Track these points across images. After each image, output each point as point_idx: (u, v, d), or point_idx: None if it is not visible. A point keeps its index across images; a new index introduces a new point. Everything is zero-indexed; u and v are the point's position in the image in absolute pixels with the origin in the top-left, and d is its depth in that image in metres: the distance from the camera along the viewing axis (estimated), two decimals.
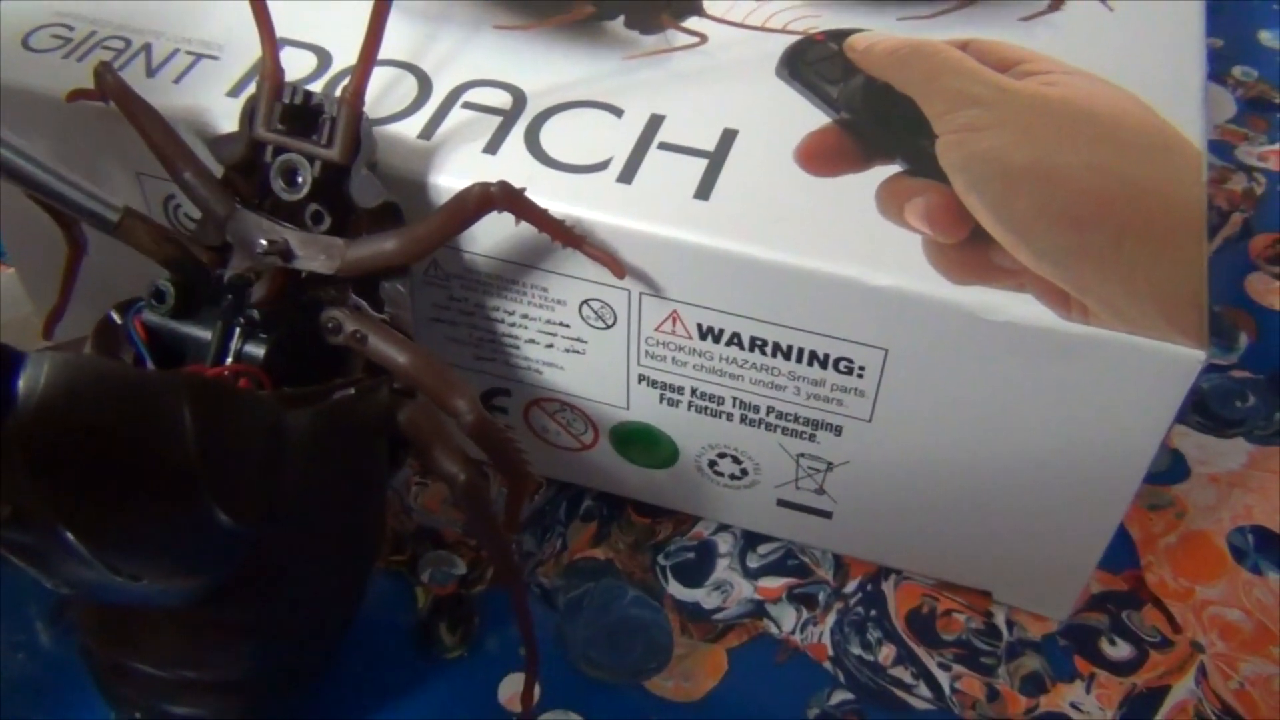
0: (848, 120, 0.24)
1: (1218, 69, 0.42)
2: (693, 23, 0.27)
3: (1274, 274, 0.35)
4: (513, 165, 0.23)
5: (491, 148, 0.24)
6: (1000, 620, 0.27)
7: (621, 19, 0.27)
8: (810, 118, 0.24)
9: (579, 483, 0.29)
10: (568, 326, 0.25)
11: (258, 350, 0.22)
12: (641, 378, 0.25)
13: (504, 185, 0.21)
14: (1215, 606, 0.28)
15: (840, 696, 0.26)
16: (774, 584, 0.28)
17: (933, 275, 0.21)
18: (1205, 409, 0.32)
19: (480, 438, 0.22)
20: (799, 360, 0.23)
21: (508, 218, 0.22)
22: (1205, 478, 0.30)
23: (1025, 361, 0.21)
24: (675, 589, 0.28)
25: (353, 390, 0.22)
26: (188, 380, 0.19)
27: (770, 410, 0.25)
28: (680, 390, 0.25)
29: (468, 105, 0.25)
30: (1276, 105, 0.41)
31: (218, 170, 0.23)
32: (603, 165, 0.23)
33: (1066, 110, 0.24)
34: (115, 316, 0.23)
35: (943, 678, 0.26)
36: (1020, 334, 0.21)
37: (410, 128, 0.24)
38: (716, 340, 0.24)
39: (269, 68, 0.22)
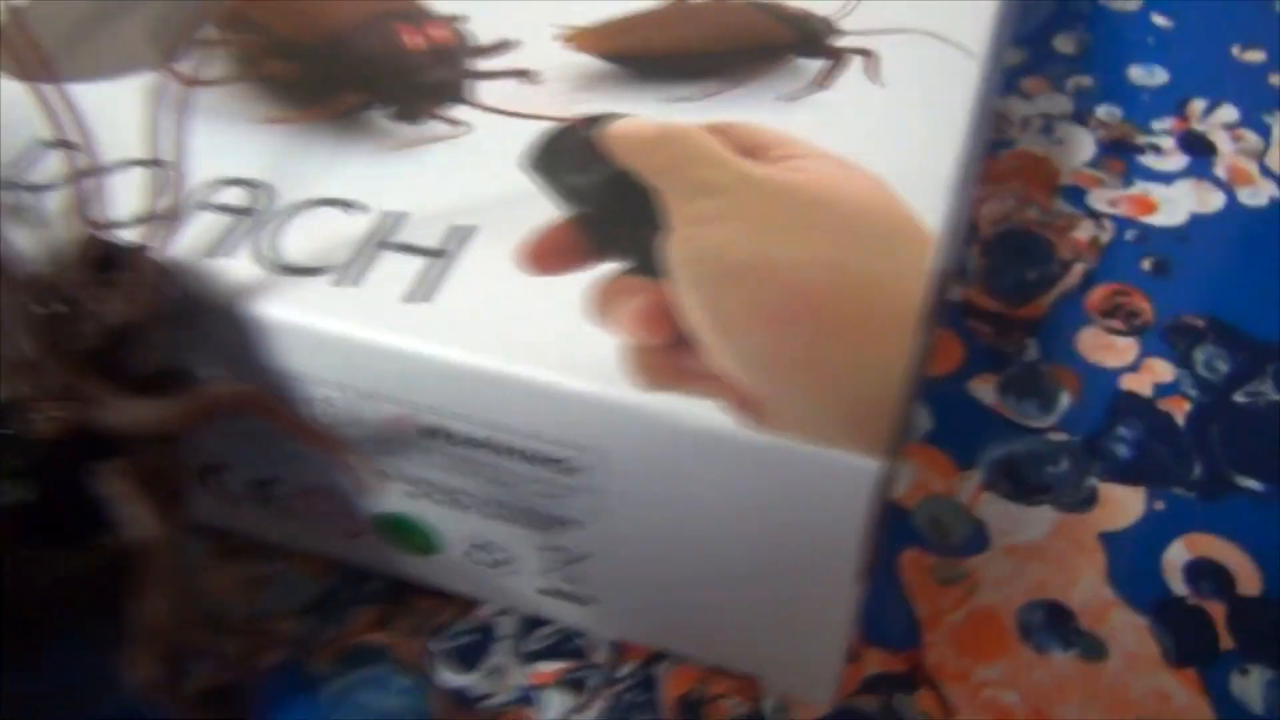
0: (586, 215, 0.24)
1: (1082, 108, 0.42)
2: (460, 110, 0.27)
3: (1107, 328, 0.35)
4: (240, 268, 0.23)
5: (226, 251, 0.24)
6: (768, 707, 0.27)
7: (388, 109, 0.27)
8: (552, 212, 0.24)
9: (363, 565, 0.29)
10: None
11: (5, 498, 0.21)
12: (385, 472, 0.25)
13: (244, 392, 0.21)
14: (991, 689, 0.27)
15: None
16: (548, 668, 0.28)
17: (625, 381, 0.21)
18: (1015, 474, 0.31)
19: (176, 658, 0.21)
20: (524, 460, 0.23)
21: None
22: (1004, 549, 0.30)
23: (720, 468, 0.21)
24: (447, 675, 0.27)
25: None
26: None
27: (505, 505, 0.24)
28: (424, 484, 0.25)
29: (209, 206, 0.25)
30: (1136, 147, 0.40)
31: None
32: (331, 268, 0.23)
33: (804, 198, 0.24)
34: None
35: None
36: (706, 441, 0.21)
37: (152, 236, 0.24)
38: (444, 440, 0.23)
39: None
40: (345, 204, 0.25)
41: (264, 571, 0.29)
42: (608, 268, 0.23)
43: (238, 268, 0.23)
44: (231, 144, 0.26)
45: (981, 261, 0.37)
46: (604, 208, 0.24)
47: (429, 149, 0.26)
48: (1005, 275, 0.36)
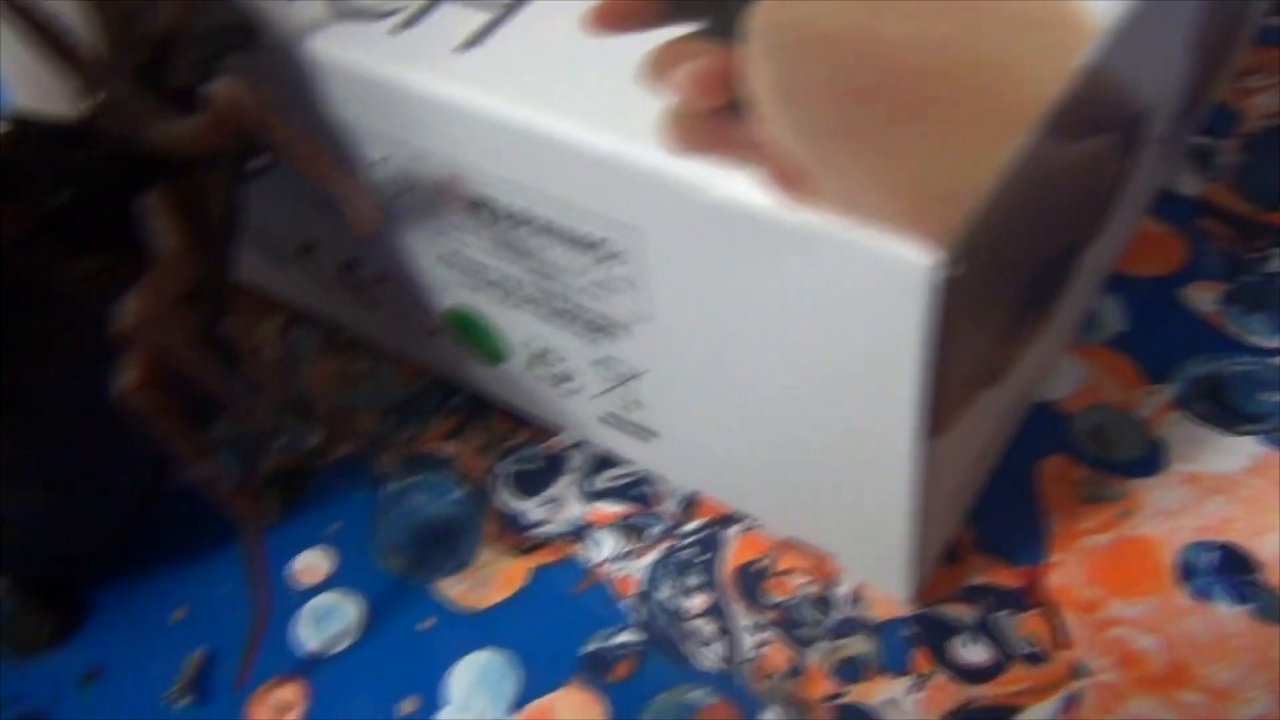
0: None
1: None
2: None
3: None
4: (304, 7, 0.22)
5: None
6: (843, 593, 0.23)
7: None
8: None
9: (447, 374, 0.28)
10: (376, 189, 0.23)
11: (54, 198, 0.21)
12: (447, 254, 0.23)
13: (245, 90, 0.19)
14: (1125, 628, 0.22)
15: (626, 638, 0.23)
16: (610, 509, 0.25)
17: (657, 143, 0.18)
18: (1219, 396, 0.25)
19: (139, 345, 0.19)
20: (566, 241, 0.20)
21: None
22: (1182, 476, 0.24)
23: (759, 255, 0.17)
24: (504, 497, 0.26)
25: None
26: None
27: (561, 300, 0.22)
28: (481, 271, 0.23)
29: None
30: None
31: None
32: (394, 14, 0.21)
33: None
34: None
35: (748, 641, 0.22)
36: (734, 216, 0.17)
37: None
38: (493, 212, 0.21)
39: None
40: None
41: (358, 369, 0.29)
42: (676, 30, 0.20)
43: (300, 6, 0.22)
44: None
45: (1238, 157, 0.30)
46: None
47: None
48: (1266, 174, 0.29)
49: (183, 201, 0.21)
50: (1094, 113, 0.19)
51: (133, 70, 0.21)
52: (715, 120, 0.18)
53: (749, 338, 0.19)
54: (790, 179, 0.17)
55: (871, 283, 0.16)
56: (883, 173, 0.16)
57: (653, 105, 0.19)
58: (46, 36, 0.22)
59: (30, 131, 0.22)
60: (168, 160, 0.22)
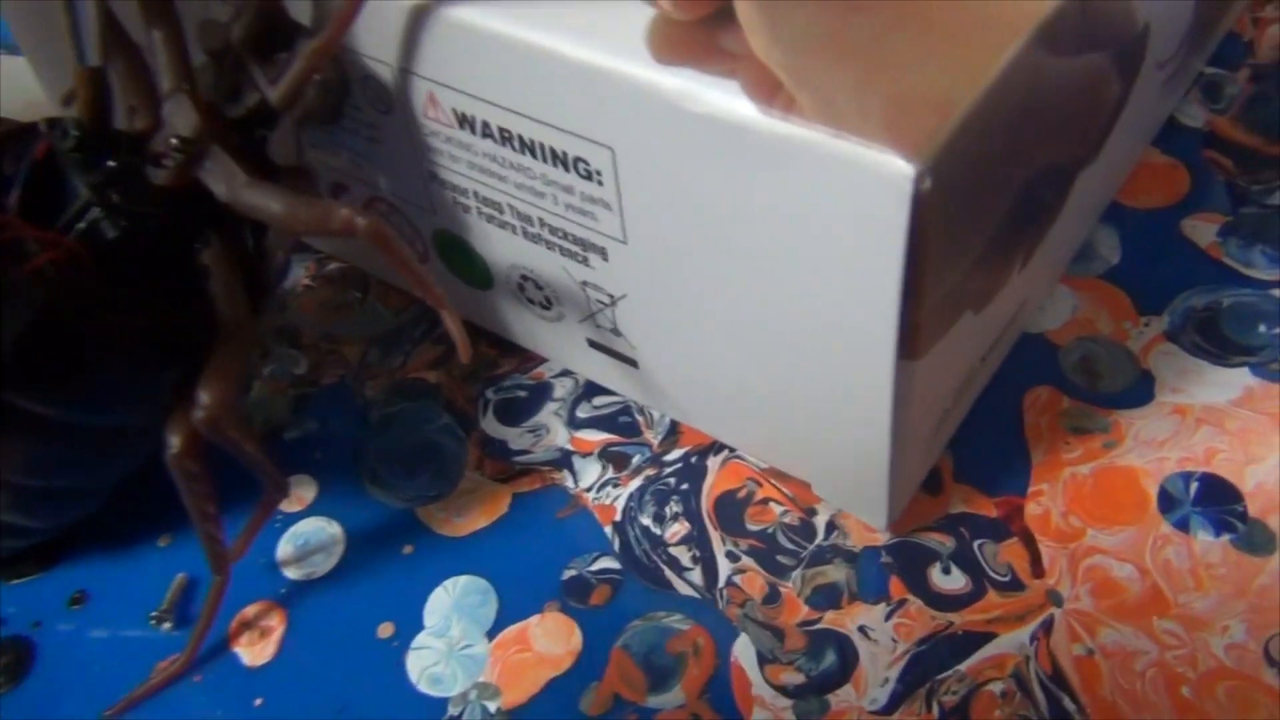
0: None
1: None
2: None
3: None
4: None
5: None
6: (821, 521, 0.23)
7: None
8: None
9: (428, 300, 0.27)
10: (359, 110, 0.23)
11: (110, 231, 0.21)
12: (432, 175, 0.23)
13: (374, 226, 0.19)
14: (1103, 557, 0.22)
15: (605, 564, 0.23)
16: (593, 437, 0.25)
17: (639, 53, 0.17)
18: (1212, 329, 0.25)
19: (209, 435, 0.20)
20: (545, 159, 0.20)
21: None
22: (1169, 408, 0.24)
23: (735, 165, 0.17)
24: (489, 424, 0.26)
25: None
26: None
27: (542, 223, 0.22)
28: (466, 193, 0.23)
29: None
30: None
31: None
32: None
33: None
34: (43, 125, 0.22)
35: (725, 568, 0.22)
36: (714, 128, 0.17)
37: None
38: (474, 130, 0.21)
39: None
40: None
41: (346, 298, 0.29)
42: None
43: None
44: None
45: (1247, 88, 0.29)
46: None
47: None
48: (1275, 107, 0.29)
49: (243, 262, 0.21)
50: (1090, 28, 0.19)
51: (224, 119, 0.21)
52: (698, 31, 0.17)
53: (726, 258, 0.19)
54: (771, 91, 0.16)
55: (851, 195, 0.16)
56: (865, 84, 0.16)
57: (636, 18, 0.18)
58: (140, 77, 0.22)
59: (92, 142, 0.21)
60: (233, 216, 0.21)
